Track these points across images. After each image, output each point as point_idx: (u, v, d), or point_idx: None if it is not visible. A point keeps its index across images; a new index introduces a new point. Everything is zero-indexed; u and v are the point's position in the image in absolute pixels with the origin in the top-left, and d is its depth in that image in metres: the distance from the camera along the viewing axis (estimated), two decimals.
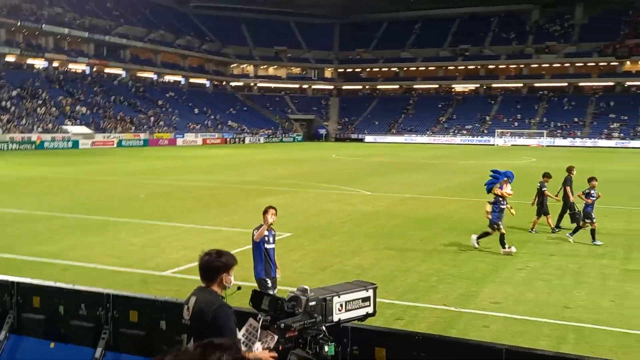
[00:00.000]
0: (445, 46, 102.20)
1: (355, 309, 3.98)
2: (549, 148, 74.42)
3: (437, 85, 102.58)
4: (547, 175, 17.40)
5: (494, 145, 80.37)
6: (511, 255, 13.47)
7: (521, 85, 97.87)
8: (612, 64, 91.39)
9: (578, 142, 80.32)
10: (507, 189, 14.19)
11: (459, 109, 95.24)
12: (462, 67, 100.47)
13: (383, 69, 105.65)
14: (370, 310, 4.06)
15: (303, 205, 21.41)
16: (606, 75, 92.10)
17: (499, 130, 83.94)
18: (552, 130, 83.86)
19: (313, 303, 3.88)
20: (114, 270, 11.92)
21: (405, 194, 25.04)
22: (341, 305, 3.95)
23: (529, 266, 12.70)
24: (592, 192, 15.24)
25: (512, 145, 80.00)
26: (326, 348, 3.84)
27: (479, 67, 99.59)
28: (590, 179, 15.71)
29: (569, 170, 17.71)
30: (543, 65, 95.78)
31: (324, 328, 3.91)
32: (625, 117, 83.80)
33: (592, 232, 14.92)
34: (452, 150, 64.14)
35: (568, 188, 17.21)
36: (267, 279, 8.65)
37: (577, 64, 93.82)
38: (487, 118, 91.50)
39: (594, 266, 12.66)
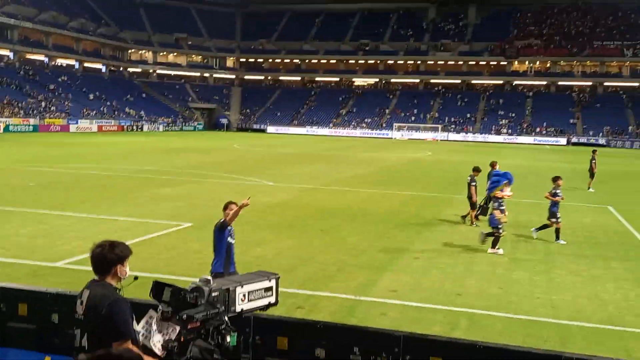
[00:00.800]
0: (346, 40, 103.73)
1: (258, 299, 3.98)
2: (443, 142, 77.40)
3: (338, 79, 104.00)
4: (476, 170, 18.08)
5: (392, 138, 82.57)
6: (497, 255, 13.40)
7: (418, 81, 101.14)
8: (501, 63, 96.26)
9: (470, 137, 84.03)
10: (507, 192, 14.51)
11: (359, 103, 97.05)
12: (363, 62, 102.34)
13: (285, 61, 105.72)
14: (272, 300, 4.06)
15: (204, 195, 21.09)
16: (496, 74, 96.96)
17: (397, 124, 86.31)
18: (446, 125, 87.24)
19: (216, 294, 3.84)
20: None
21: (307, 184, 25.24)
22: (244, 296, 3.93)
23: (424, 255, 13.18)
24: (558, 191, 15.53)
25: (409, 139, 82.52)
26: (228, 338, 3.81)
27: (378, 62, 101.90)
28: (556, 178, 15.94)
29: (492, 165, 18.49)
30: (438, 63, 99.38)
31: (226, 318, 3.88)
32: (513, 114, 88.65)
33: (557, 231, 15.14)
34: (352, 143, 65.31)
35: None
36: (224, 273, 8.36)
37: (469, 62, 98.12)
38: (386, 112, 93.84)
39: (485, 256, 13.32)
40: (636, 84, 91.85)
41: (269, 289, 4.03)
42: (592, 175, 27.13)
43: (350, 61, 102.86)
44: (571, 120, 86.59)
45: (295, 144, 58.46)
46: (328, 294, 10.13)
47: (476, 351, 4.73)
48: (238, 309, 3.95)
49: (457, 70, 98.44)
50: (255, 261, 11.81)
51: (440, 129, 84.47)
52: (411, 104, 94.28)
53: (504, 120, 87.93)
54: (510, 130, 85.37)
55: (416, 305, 9.70)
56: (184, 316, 3.64)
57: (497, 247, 13.62)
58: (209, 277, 3.94)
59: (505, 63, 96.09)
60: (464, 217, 17.64)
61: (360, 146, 58.70)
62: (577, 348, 8.03)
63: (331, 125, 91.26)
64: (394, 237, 15.01)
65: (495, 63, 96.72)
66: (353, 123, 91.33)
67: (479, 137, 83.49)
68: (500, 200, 14.13)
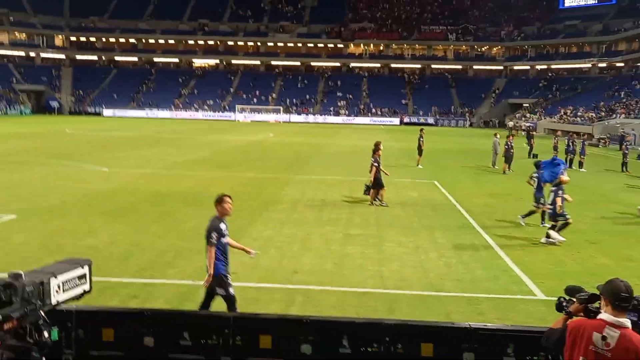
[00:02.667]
0: (185, 19, 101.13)
1: (72, 288, 3.81)
2: (285, 124, 78.50)
3: (177, 59, 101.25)
4: (378, 151, 18.59)
5: (235, 120, 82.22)
6: (557, 245, 13.31)
7: (259, 62, 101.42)
8: (338, 45, 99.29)
9: (311, 118, 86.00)
10: (566, 176, 14.52)
11: (200, 84, 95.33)
12: (202, 42, 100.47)
13: (120, 40, 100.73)
14: (87, 287, 3.91)
15: (30, 184, 19.67)
16: (334, 56, 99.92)
17: (240, 106, 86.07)
18: (287, 106, 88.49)
19: (30, 288, 3.61)
20: None
21: (143, 169, 24.44)
22: (59, 287, 3.75)
23: (263, 235, 13.36)
24: (534, 175, 15.93)
25: (252, 121, 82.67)
26: (46, 334, 3.62)
27: (218, 42, 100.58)
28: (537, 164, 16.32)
29: (376, 145, 19.03)
30: (278, 44, 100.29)
31: (42, 313, 3.68)
32: (351, 96, 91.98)
33: (543, 213, 15.57)
34: (193, 126, 64.10)
35: (373, 165, 18.52)
36: (228, 275, 7.80)
37: (308, 45, 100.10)
38: (228, 94, 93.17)
39: (320, 233, 13.78)
40: (459, 67, 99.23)
41: (83, 276, 3.87)
42: (420, 152, 28.96)
43: (189, 41, 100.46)
44: (403, 101, 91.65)
45: (134, 128, 56.23)
46: (165, 280, 9.95)
47: (304, 325, 4.91)
48: (54, 301, 3.76)
49: (297, 52, 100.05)
50: (86, 251, 11.24)
51: (282, 110, 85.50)
52: (253, 85, 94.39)
53: (342, 102, 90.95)
54: (348, 111, 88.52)
55: (255, 285, 9.83)
56: (0, 317, 3.39)
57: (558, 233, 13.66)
58: (20, 272, 3.70)
59: (342, 46, 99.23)
60: (373, 196, 18.07)
61: (202, 129, 57.82)
62: (402, 314, 8.60)
63: (172, 107, 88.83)
64: (234, 220, 14.94)
65: (332, 45, 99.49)
66: (195, 105, 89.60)
67: (320, 118, 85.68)
68: (562, 186, 13.94)
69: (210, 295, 7.70)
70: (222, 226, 7.70)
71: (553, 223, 13.81)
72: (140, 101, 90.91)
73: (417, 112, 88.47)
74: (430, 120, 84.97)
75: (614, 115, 62.81)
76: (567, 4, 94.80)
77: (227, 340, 4.88)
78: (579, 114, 69.14)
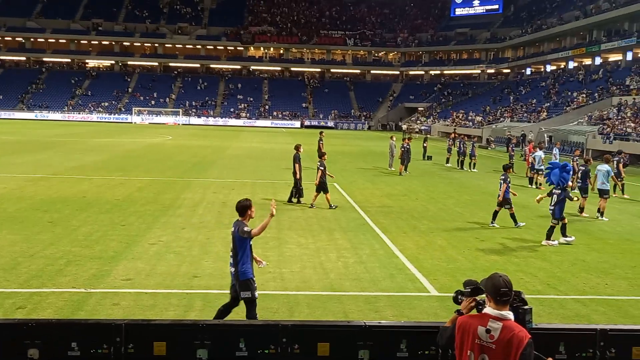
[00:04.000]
0: (77, 19, 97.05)
1: None
2: (185, 126, 77.07)
3: (69, 60, 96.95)
4: (324, 155, 18.86)
5: (132, 123, 79.77)
6: (571, 244, 14.05)
7: (157, 64, 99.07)
8: (238, 48, 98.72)
9: (211, 121, 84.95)
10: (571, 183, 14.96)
11: (94, 85, 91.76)
12: (96, 42, 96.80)
13: (7, 38, 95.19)
14: None
15: None
16: (234, 59, 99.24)
17: (137, 108, 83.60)
18: (187, 109, 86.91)
19: None
20: None
21: (34, 174, 23.20)
22: None
23: (161, 240, 13.03)
24: (508, 178, 16.20)
25: (150, 123, 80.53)
26: None
27: (113, 43, 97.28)
28: (506, 167, 16.83)
29: (297, 148, 19.28)
30: (177, 46, 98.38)
31: None
32: (251, 99, 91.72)
33: (512, 215, 16.11)
34: (87, 128, 61.57)
35: (297, 165, 18.71)
36: (254, 278, 7.83)
37: (207, 47, 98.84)
38: (124, 95, 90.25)
39: (220, 236, 13.62)
40: (358, 71, 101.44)
41: None
42: (320, 155, 29.25)
43: (82, 41, 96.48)
44: (304, 104, 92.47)
45: (21, 131, 53.23)
46: (55, 289, 9.47)
47: (200, 330, 4.83)
48: None
49: (196, 54, 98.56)
50: None
51: (181, 113, 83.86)
52: (150, 87, 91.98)
53: (243, 104, 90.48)
54: (249, 114, 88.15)
55: (151, 291, 9.56)
56: None
57: (568, 235, 14.33)
58: None
59: (242, 48, 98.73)
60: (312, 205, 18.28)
61: (97, 131, 55.65)
62: (302, 315, 8.67)
63: (65, 109, 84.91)
64: (131, 225, 14.58)
65: (232, 48, 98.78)
66: (89, 107, 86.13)
67: (220, 121, 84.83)
68: (568, 192, 14.32)
69: (235, 301, 7.83)
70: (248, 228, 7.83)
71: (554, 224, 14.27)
72: (29, 103, 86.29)
73: (317, 115, 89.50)
74: (330, 123, 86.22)
75: (502, 119, 66.30)
76: (457, 13, 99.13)
77: (119, 348, 4.72)
78: (470, 117, 72.43)
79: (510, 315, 3.90)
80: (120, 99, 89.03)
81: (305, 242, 13.43)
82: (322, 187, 18.26)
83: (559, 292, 10.26)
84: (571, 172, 14.88)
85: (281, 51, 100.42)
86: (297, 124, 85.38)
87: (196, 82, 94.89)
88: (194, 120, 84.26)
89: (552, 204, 14.29)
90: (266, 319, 7.05)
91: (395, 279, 10.77)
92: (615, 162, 21.48)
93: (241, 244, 7.77)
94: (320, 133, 30.72)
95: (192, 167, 28.07)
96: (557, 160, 29.81)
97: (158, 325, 4.97)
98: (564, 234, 14.33)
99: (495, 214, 16.31)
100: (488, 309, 3.94)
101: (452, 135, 41.85)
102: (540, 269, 11.73)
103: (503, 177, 16.18)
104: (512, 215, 16.17)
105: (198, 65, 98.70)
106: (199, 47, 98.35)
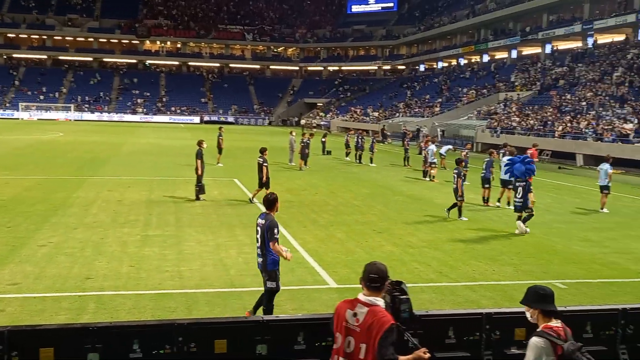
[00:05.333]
0: None
1: None
2: (77, 122, 73.81)
3: None
4: (265, 151, 18.73)
5: (19, 119, 75.42)
6: (525, 234, 14.75)
7: (45, 57, 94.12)
8: (133, 42, 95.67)
9: (105, 116, 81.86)
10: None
11: None
12: None
13: None
14: None
15: None
16: (129, 53, 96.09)
17: (24, 104, 79.11)
18: (79, 104, 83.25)
19: None
20: None
21: None
22: None
23: (51, 242, 12.44)
24: (461, 172, 16.74)
25: (38, 119, 76.46)
26: None
27: None
28: (459, 161, 17.09)
29: (199, 143, 18.87)
30: (67, 38, 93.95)
31: None
32: (148, 94, 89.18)
33: (459, 208, 16.58)
34: None
35: (199, 161, 18.32)
36: (279, 269, 8.08)
37: (100, 40, 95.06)
38: (10, 90, 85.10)
39: (116, 235, 13.19)
40: (257, 66, 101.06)
41: None
42: (220, 151, 28.99)
43: None
44: (203, 100, 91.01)
45: None
46: None
47: (90, 333, 4.66)
48: None
49: (88, 48, 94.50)
50: None
51: (73, 108, 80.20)
52: (39, 81, 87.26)
53: (139, 100, 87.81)
54: (146, 110, 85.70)
55: (40, 295, 9.11)
56: None
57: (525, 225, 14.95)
58: None
59: (138, 42, 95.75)
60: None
61: None
62: (202, 313, 8.55)
63: None
64: (17, 226, 13.81)
65: (127, 41, 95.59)
66: None
67: (115, 117, 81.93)
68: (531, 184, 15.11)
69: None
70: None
71: (519, 214, 15.05)
72: None
73: (217, 111, 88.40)
74: (231, 118, 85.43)
75: (397, 114, 68.27)
76: (354, 10, 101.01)
77: (2, 357, 4.47)
78: (368, 112, 74.06)
79: (379, 301, 4.04)
80: (5, 94, 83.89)
81: (205, 239, 13.25)
82: (265, 183, 18.35)
83: (450, 280, 10.72)
84: (534, 165, 15.91)
85: (178, 45, 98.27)
86: (197, 119, 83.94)
87: (89, 76, 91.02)
88: (87, 115, 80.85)
89: (520, 195, 15.14)
90: (162, 319, 6.89)
91: (295, 272, 10.85)
92: (501, 154, 22.60)
93: (270, 236, 7.84)
94: (220, 129, 30.34)
95: (86, 165, 26.96)
96: (444, 152, 31.18)
97: (44, 330, 4.75)
98: (524, 221, 15.06)
99: (458, 207, 16.80)
100: (360, 295, 4.10)
101: (351, 131, 42.56)
102: (433, 258, 12.20)
103: (456, 172, 16.78)
104: (459, 208, 16.76)
105: (90, 58, 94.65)
106: (91, 40, 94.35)
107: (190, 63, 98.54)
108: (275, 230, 7.80)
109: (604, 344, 5.55)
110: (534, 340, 3.96)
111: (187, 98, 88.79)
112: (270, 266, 7.91)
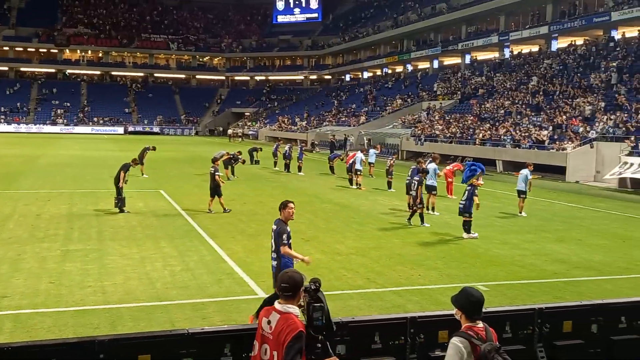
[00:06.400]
0: None
1: None
2: None
3: None
4: (216, 161, 19.00)
5: None
6: (476, 239, 15.24)
7: None
8: (52, 50, 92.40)
9: (23, 128, 78.56)
10: (481, 180, 16.31)
11: None
12: None
13: None
14: None
15: None
16: (47, 62, 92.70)
17: None
18: None
19: None
20: None
21: None
22: None
23: None
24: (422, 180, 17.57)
25: None
26: None
27: None
28: (422, 170, 17.86)
29: (134, 160, 19.21)
30: None
31: None
32: (69, 104, 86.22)
33: (421, 215, 17.12)
34: None
35: (123, 173, 17.93)
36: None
37: (17, 48, 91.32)
38: None
39: (34, 251, 12.67)
40: (183, 76, 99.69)
41: None
42: (141, 162, 28.39)
43: None
44: (127, 110, 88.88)
45: None
46: None
47: (3, 353, 4.45)
48: None
49: (4, 56, 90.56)
50: None
51: None
52: None
53: (59, 110, 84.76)
54: (66, 120, 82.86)
55: None
56: None
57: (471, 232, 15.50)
58: None
59: (57, 51, 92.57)
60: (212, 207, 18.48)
61: None
62: (126, 328, 8.32)
63: None
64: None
65: (45, 50, 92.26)
66: None
67: (34, 128, 78.88)
68: (476, 188, 15.66)
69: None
70: (288, 229, 8.47)
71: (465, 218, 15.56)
72: None
73: (142, 121, 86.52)
74: (156, 129, 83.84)
75: (325, 123, 68.85)
76: (279, 20, 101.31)
77: None
78: (295, 122, 74.33)
79: (291, 309, 4.11)
80: None
81: (129, 252, 12.92)
82: (216, 191, 18.52)
83: (378, 286, 10.88)
84: (478, 170, 16.65)
85: (100, 54, 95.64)
86: (121, 130, 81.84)
87: (4, 86, 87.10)
88: (3, 127, 77.32)
89: (464, 199, 15.61)
90: (83, 336, 6.66)
91: (224, 283, 10.75)
92: (428, 161, 23.11)
93: (280, 241, 8.32)
94: (153, 148, 30.06)
95: (1, 178, 25.77)
96: (373, 160, 31.75)
97: None
98: (466, 229, 15.52)
99: (420, 215, 17.16)
100: (276, 303, 4.20)
101: (280, 140, 42.53)
102: (361, 265, 12.35)
103: (417, 179, 17.33)
104: (421, 215, 17.16)
105: (6, 68, 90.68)
106: (6, 48, 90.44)
107: (113, 72, 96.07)
108: (284, 236, 8.31)
109: (522, 343, 5.77)
110: (454, 340, 4.08)
111: (110, 108, 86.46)
112: (282, 268, 8.17)
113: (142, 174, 27.75)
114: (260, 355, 4.17)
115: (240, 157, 29.85)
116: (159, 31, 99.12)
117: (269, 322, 4.12)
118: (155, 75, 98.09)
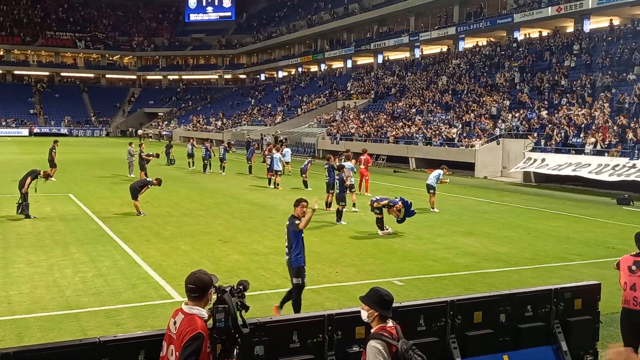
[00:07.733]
0: None
1: None
2: None
3: None
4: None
5: None
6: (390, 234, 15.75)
7: None
8: None
9: None
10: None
11: None
12: None
13: None
14: None
15: None
16: None
17: None
18: None
19: None
20: None
21: None
22: None
23: None
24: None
25: None
26: None
27: None
28: (340, 167, 18.55)
29: (46, 176, 18.23)
30: None
31: None
32: None
33: (339, 212, 17.61)
34: None
35: (30, 178, 17.13)
36: (305, 267, 8.92)
37: None
38: None
39: None
40: (91, 75, 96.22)
41: None
42: (53, 164, 27.25)
43: None
44: (32, 111, 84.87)
45: None
46: None
47: None
48: None
49: None
50: None
51: None
52: None
53: None
54: None
55: None
56: None
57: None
58: None
59: None
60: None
61: None
62: (34, 340, 7.96)
63: None
64: None
65: None
66: None
67: None
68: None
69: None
70: (297, 221, 8.86)
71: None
72: None
73: (48, 122, 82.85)
74: (64, 130, 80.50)
75: (241, 123, 68.36)
76: (192, 19, 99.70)
77: None
78: (210, 121, 73.36)
79: (197, 310, 4.12)
80: None
81: (36, 259, 12.35)
82: (134, 194, 18.30)
83: None
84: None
85: (1, 52, 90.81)
86: (25, 131, 77.97)
87: None
88: None
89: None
90: None
91: (138, 288, 10.47)
92: (343, 159, 23.32)
93: (295, 236, 8.82)
94: (55, 142, 28.68)
95: None
96: (289, 159, 31.82)
97: None
98: (380, 227, 16.04)
99: (338, 212, 17.61)
100: (183, 304, 4.22)
101: (191, 140, 41.74)
102: (279, 264, 12.31)
103: (339, 177, 17.99)
104: (339, 212, 17.58)
105: None
106: None
107: (15, 72, 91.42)
108: (296, 221, 8.80)
109: (435, 335, 5.94)
110: (372, 343, 4.16)
111: (14, 109, 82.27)
112: (294, 263, 8.82)
113: (51, 177, 26.53)
114: (167, 355, 4.18)
115: (152, 155, 29.31)
116: (65, 29, 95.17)
117: (175, 323, 4.13)
118: (62, 74, 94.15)
